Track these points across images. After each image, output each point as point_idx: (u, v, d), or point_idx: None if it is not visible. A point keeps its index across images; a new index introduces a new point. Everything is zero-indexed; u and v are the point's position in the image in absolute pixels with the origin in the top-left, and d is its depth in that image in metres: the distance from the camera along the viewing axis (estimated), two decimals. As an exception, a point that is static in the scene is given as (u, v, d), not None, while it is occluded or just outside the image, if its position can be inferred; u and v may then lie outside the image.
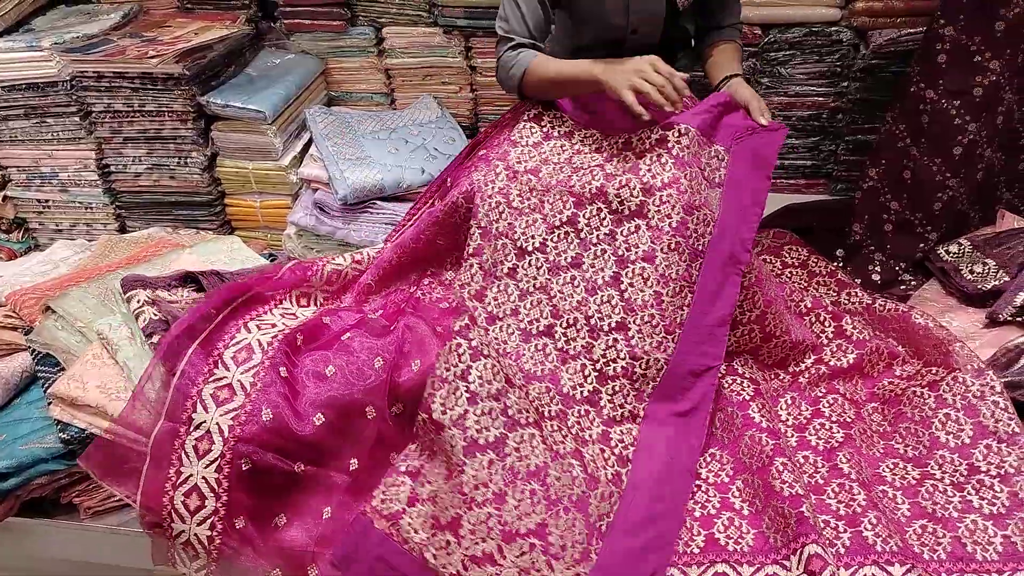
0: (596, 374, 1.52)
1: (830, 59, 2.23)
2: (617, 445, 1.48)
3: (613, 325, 1.53)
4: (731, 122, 1.69)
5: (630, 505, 1.42)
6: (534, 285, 1.60)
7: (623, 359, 1.51)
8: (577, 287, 1.57)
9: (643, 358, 1.51)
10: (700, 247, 1.55)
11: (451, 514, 1.35)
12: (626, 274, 1.54)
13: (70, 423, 1.56)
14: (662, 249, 1.52)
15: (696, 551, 1.39)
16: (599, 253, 1.57)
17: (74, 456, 1.56)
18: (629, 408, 1.51)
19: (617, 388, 1.51)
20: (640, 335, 1.51)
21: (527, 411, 1.46)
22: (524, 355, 1.55)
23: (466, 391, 1.42)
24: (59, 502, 1.60)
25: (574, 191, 1.58)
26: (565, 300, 1.57)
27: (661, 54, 1.82)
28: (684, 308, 1.54)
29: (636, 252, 1.54)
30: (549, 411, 1.48)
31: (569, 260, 1.59)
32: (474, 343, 1.47)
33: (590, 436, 1.48)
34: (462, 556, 1.32)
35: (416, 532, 1.36)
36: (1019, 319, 1.75)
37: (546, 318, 1.58)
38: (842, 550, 1.34)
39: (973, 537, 1.36)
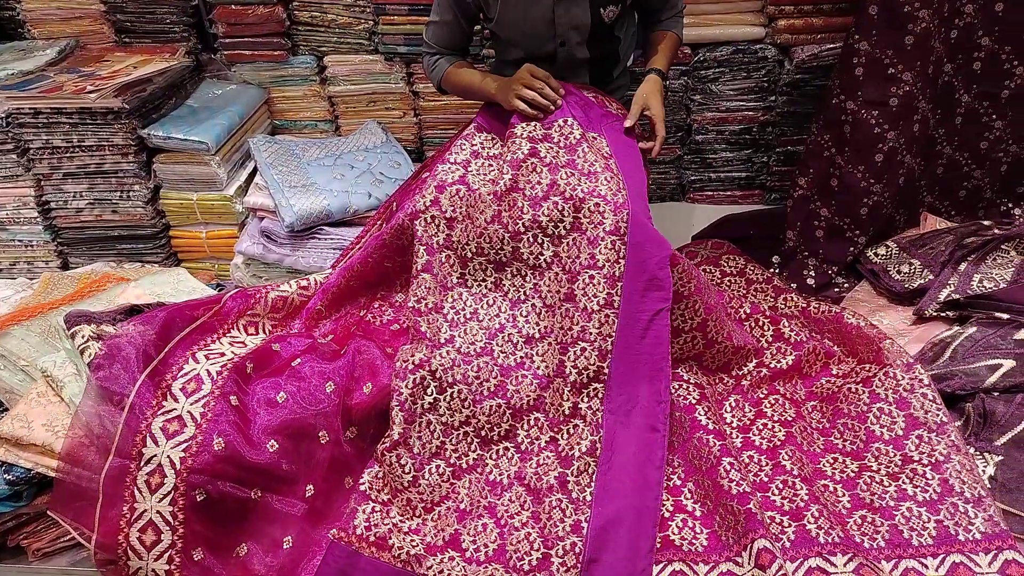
0: (558, 345, 1.57)
1: (757, 75, 2.32)
2: (587, 412, 1.52)
3: (562, 297, 1.59)
4: (601, 111, 1.82)
5: (608, 471, 1.47)
6: (485, 287, 1.67)
7: (577, 324, 1.55)
8: (526, 278, 1.65)
9: (597, 314, 1.55)
10: (621, 201, 1.61)
11: (449, 532, 1.45)
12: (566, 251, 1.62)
13: (15, 464, 1.52)
14: (600, 250, 1.58)
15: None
16: (550, 274, 1.63)
17: (20, 498, 1.53)
18: (594, 369, 1.54)
19: (579, 352, 1.55)
20: (586, 296, 1.56)
21: (498, 425, 1.55)
22: (495, 350, 1.61)
23: (439, 423, 1.53)
24: (6, 546, 1.56)
25: (509, 227, 1.64)
26: (518, 291, 1.66)
27: (594, 68, 1.89)
28: (620, 262, 1.57)
29: (579, 263, 1.59)
30: (529, 401, 1.55)
31: (508, 256, 1.66)
32: (437, 374, 1.54)
33: (563, 413, 1.53)
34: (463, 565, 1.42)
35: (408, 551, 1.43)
36: (943, 314, 1.84)
37: (505, 311, 1.65)
38: (788, 544, 1.40)
39: (909, 524, 1.43)
